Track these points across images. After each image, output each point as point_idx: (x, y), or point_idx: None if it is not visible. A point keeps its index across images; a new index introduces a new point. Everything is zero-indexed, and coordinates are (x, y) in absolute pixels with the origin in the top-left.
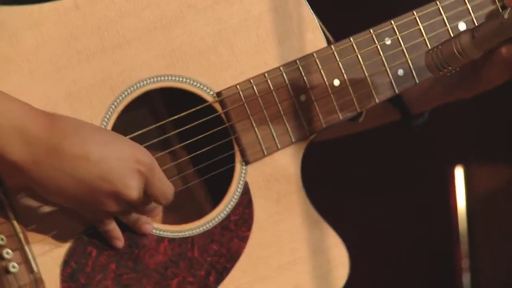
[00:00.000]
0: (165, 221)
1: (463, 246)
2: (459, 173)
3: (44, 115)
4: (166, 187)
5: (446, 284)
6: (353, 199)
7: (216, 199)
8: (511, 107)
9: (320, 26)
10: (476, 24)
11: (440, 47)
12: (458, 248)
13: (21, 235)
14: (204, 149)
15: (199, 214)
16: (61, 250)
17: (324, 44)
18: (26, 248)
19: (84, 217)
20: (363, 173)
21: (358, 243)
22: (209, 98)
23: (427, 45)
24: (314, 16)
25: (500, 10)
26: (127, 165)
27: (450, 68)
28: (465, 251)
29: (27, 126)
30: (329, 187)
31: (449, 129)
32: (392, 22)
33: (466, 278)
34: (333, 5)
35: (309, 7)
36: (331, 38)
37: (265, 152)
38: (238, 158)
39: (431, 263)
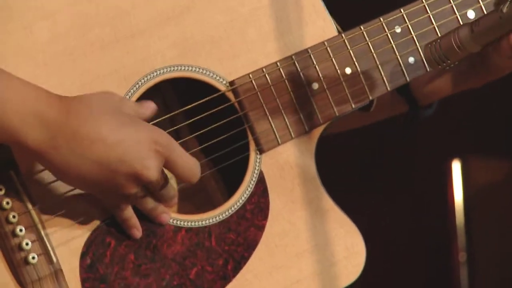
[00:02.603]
0: (179, 211)
1: (460, 239)
2: (456, 167)
3: (59, 99)
4: (191, 163)
5: (443, 278)
6: (349, 193)
7: (228, 188)
8: (508, 101)
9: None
10: (485, 12)
11: (439, 41)
12: (455, 242)
13: (39, 226)
14: (217, 139)
15: (211, 203)
16: (79, 240)
17: (334, 32)
18: (45, 238)
19: (103, 202)
20: (359, 167)
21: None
22: (222, 88)
23: (436, 32)
24: (323, 5)
25: None
26: (144, 146)
27: (449, 62)
28: (462, 245)
29: (45, 111)
30: (325, 180)
31: (446, 123)
32: (402, 10)
33: (463, 272)
34: None
35: None
36: (339, 27)
37: (279, 140)
38: (252, 147)
39: (428, 256)
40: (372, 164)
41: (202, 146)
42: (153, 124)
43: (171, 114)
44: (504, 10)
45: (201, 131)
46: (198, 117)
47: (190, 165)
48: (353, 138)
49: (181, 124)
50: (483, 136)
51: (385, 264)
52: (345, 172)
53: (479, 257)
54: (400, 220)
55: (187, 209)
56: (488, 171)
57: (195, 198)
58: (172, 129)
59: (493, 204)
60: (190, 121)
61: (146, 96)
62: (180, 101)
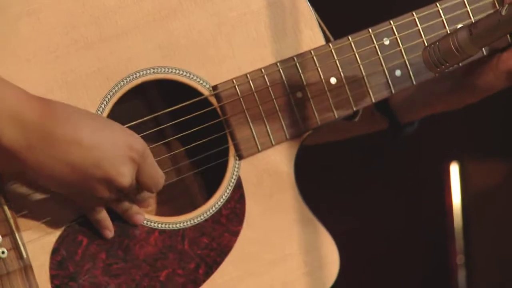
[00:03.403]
0: (158, 212)
1: (458, 242)
2: (454, 169)
3: (38, 100)
4: (157, 175)
5: (441, 281)
6: (347, 196)
7: (209, 192)
8: (506, 104)
9: (320, 24)
10: None
11: (437, 43)
12: (453, 245)
13: (11, 221)
14: (198, 142)
15: (192, 206)
16: (51, 237)
17: (322, 41)
18: (16, 234)
19: (75, 204)
20: (357, 170)
21: (353, 239)
22: (205, 91)
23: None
24: (313, 14)
25: None
26: (120, 151)
27: (447, 64)
28: (460, 248)
29: (22, 111)
30: (322, 182)
31: (444, 125)
32: (391, 22)
33: (461, 275)
34: (333, 5)
35: (309, 4)
36: (330, 37)
37: (259, 147)
38: (232, 152)
39: (426, 259)
40: (370, 167)
41: (183, 149)
42: (137, 123)
43: (153, 115)
44: (503, 12)
45: (183, 133)
46: (180, 119)
47: (157, 177)
48: (349, 140)
49: (163, 126)
50: (481, 139)
51: (383, 267)
52: (343, 175)
53: (477, 259)
54: (398, 222)
55: (168, 212)
56: (486, 174)
57: (177, 201)
58: (154, 130)
59: (491, 207)
60: (172, 123)
61: (129, 96)
62: (162, 102)
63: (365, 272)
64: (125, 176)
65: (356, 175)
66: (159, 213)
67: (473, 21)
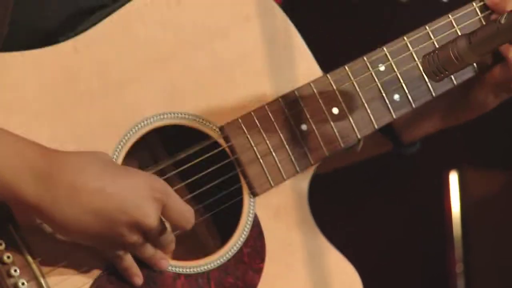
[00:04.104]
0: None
1: (457, 250)
2: (453, 177)
3: (54, 153)
4: (185, 209)
5: None
6: (346, 205)
7: (220, 233)
8: (506, 113)
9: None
10: None
11: (436, 52)
12: (452, 253)
13: (41, 279)
14: (210, 185)
15: (202, 248)
16: None
17: (319, 73)
18: None
19: (103, 253)
20: (356, 179)
21: (351, 247)
22: (211, 133)
23: (420, 69)
24: (306, 46)
25: None
26: (142, 193)
27: (446, 73)
28: (459, 256)
29: (39, 165)
30: (322, 193)
31: (443, 133)
32: (384, 48)
33: (460, 283)
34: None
35: (300, 37)
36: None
37: (272, 183)
38: (245, 190)
39: (425, 267)
40: (369, 175)
41: (195, 193)
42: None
43: (163, 165)
44: (502, 21)
45: (193, 178)
46: (189, 164)
47: (185, 212)
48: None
49: (172, 172)
50: (480, 147)
51: (382, 275)
52: (342, 183)
53: (476, 268)
54: (397, 231)
55: (177, 254)
56: (485, 183)
57: (185, 243)
58: (166, 176)
59: (490, 216)
60: (181, 168)
61: (134, 148)
62: (167, 148)
63: (364, 280)
64: (150, 216)
65: (355, 184)
66: (172, 257)
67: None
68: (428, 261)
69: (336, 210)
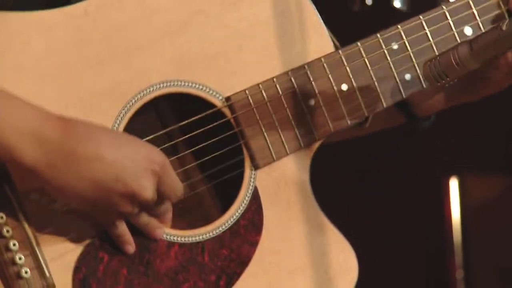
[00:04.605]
0: (173, 226)
1: (458, 257)
2: (453, 184)
3: (57, 119)
4: (176, 185)
5: None
6: (347, 211)
7: (223, 204)
8: (506, 119)
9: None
10: (482, 28)
11: (438, 58)
12: (452, 259)
13: (33, 240)
14: (212, 155)
15: (207, 219)
16: (72, 255)
17: (331, 48)
18: (38, 253)
19: (97, 219)
20: (356, 184)
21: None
22: (218, 103)
23: (433, 49)
24: (321, 21)
25: (506, 14)
26: (141, 165)
27: (448, 79)
28: (459, 262)
29: (42, 129)
30: (321, 197)
31: (443, 140)
32: (399, 26)
33: None
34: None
35: (317, 12)
36: (337, 43)
37: (274, 157)
38: (247, 163)
39: (425, 273)
40: (369, 182)
41: (198, 162)
42: (150, 139)
43: (167, 129)
44: (504, 27)
45: (197, 147)
46: (194, 132)
47: (176, 188)
48: (349, 155)
49: (177, 140)
50: (481, 153)
51: (382, 281)
52: (342, 189)
53: (476, 274)
54: (397, 237)
55: (183, 225)
56: (485, 188)
57: (191, 214)
58: (168, 144)
59: (490, 222)
60: (186, 136)
61: (143, 110)
62: (176, 116)
63: (365, 286)
64: (147, 189)
65: (355, 190)
66: (174, 226)
67: (479, 23)
68: (428, 267)
69: (336, 216)
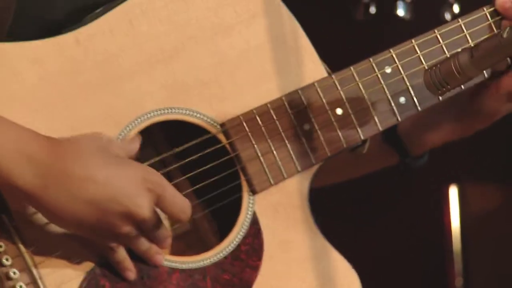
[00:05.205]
0: (169, 251)
1: (457, 265)
2: (453, 192)
3: (48, 140)
4: (182, 202)
5: None
6: (345, 219)
7: (221, 229)
8: (505, 128)
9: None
10: None
11: (438, 66)
12: (452, 267)
13: (33, 269)
14: (209, 180)
15: (203, 244)
16: (74, 283)
17: (324, 73)
18: (39, 282)
19: (95, 243)
20: (355, 193)
21: (351, 261)
22: (213, 130)
23: None
24: (312, 47)
25: None
26: (135, 184)
27: (448, 87)
28: (459, 270)
29: (34, 151)
30: (321, 207)
31: (443, 148)
32: (391, 50)
33: None
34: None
35: (307, 38)
36: (328, 70)
37: (271, 181)
38: (245, 188)
39: (425, 281)
40: (368, 191)
41: (194, 188)
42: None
43: (162, 156)
44: (504, 35)
45: (193, 173)
46: (189, 158)
47: (181, 204)
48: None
49: (173, 166)
50: (480, 162)
51: None
52: (340, 199)
53: (475, 282)
54: (397, 245)
55: (178, 249)
56: (484, 197)
57: (186, 238)
58: (164, 171)
59: (490, 230)
60: (182, 162)
61: None
62: (170, 143)
63: None
64: (143, 207)
65: (354, 199)
66: (172, 251)
67: (472, 45)
68: (428, 275)
69: (335, 225)
